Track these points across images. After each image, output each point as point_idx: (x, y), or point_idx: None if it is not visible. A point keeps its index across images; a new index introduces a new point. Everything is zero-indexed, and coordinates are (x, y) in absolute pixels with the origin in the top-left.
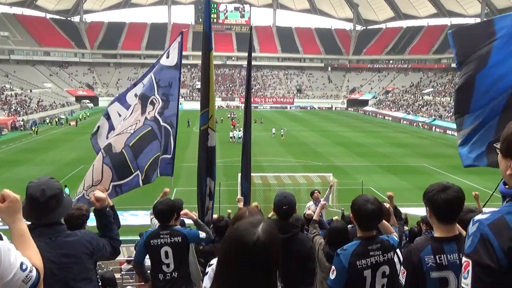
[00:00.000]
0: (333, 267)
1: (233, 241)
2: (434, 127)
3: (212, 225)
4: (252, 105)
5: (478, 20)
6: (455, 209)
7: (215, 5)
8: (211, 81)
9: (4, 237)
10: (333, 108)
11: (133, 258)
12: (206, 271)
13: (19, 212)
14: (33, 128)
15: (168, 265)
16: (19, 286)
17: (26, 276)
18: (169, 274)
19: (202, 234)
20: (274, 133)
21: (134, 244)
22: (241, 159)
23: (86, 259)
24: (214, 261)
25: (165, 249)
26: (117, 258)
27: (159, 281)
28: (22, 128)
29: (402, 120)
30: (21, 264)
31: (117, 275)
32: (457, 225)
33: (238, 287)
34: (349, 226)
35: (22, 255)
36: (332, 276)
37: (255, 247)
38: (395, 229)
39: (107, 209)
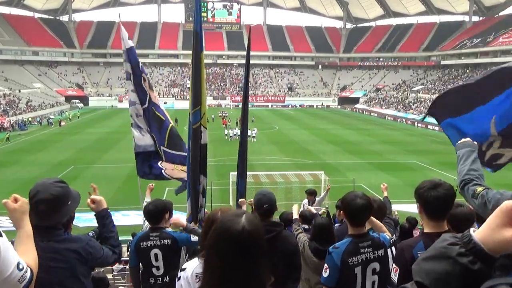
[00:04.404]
0: (325, 265)
1: (220, 233)
2: (426, 124)
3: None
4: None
5: (466, 17)
6: (445, 206)
7: (205, 4)
8: (202, 80)
9: (3, 234)
10: (315, 106)
11: (123, 258)
12: (178, 275)
13: (27, 214)
14: None
15: (158, 268)
16: (14, 285)
17: (22, 276)
18: (160, 278)
19: (194, 238)
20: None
21: (126, 245)
22: (238, 157)
23: (78, 265)
24: (186, 265)
25: (155, 251)
26: None
27: (150, 285)
28: (10, 129)
29: (387, 116)
30: (18, 263)
31: (109, 276)
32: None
33: (227, 279)
34: (336, 225)
35: (20, 255)
36: (325, 274)
37: (241, 236)
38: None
39: (106, 211)
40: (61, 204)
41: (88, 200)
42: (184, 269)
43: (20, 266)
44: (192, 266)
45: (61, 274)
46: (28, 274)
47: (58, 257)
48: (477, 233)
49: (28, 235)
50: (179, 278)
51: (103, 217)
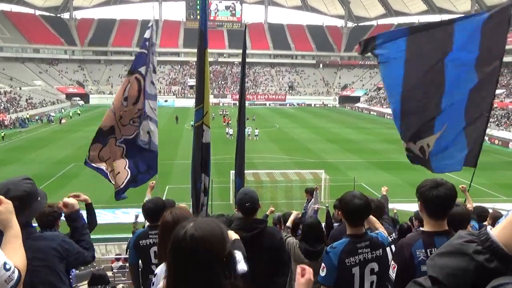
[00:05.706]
0: (323, 264)
1: (171, 239)
2: None
3: None
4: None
5: None
6: (445, 206)
7: (206, 3)
8: (206, 77)
9: None
10: (313, 105)
11: (122, 256)
12: (152, 281)
13: (14, 213)
14: None
15: (157, 266)
16: (0, 285)
17: (9, 277)
18: None
19: None
20: (249, 134)
21: (126, 242)
22: (235, 156)
23: (57, 262)
24: (157, 270)
25: (154, 249)
26: (107, 256)
27: (150, 282)
28: (11, 127)
29: (386, 115)
30: (5, 263)
31: (109, 273)
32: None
33: (177, 284)
34: (336, 224)
35: (8, 256)
36: (322, 273)
37: (184, 241)
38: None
39: (78, 213)
40: (32, 200)
41: (60, 204)
42: (155, 274)
43: (7, 266)
44: (161, 271)
45: (43, 272)
46: (16, 274)
47: (39, 256)
48: (494, 232)
49: (16, 235)
50: (153, 284)
51: (74, 219)
